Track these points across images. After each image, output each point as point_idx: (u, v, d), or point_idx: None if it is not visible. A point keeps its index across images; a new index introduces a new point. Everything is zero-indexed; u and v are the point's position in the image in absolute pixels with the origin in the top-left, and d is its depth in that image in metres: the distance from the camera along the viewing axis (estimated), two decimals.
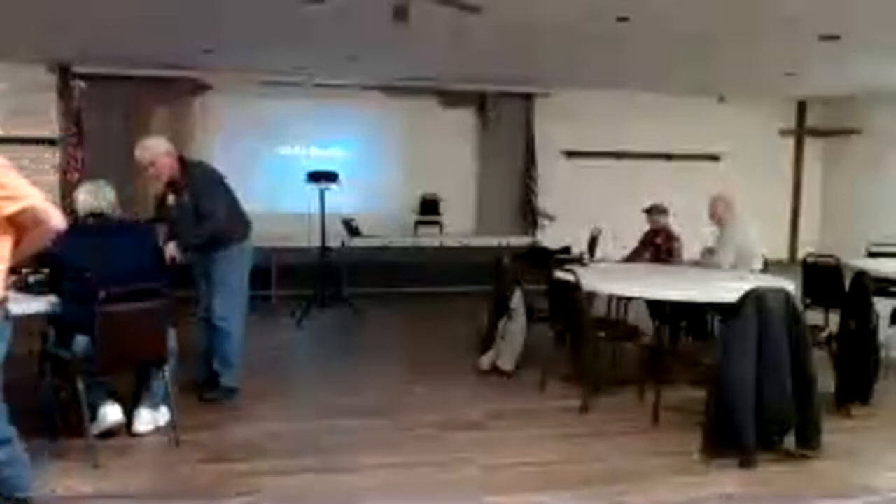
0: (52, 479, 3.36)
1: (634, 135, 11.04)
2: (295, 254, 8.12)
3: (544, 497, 3.32)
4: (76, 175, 8.69)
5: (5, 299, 2.70)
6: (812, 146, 12.38)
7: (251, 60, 8.66)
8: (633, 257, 6.45)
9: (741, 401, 3.62)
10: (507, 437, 4.09)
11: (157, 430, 4.02)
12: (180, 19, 6.61)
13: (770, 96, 11.57)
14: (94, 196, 3.99)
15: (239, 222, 4.66)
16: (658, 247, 6.30)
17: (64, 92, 9.11)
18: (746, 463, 3.61)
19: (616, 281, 4.99)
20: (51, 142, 9.18)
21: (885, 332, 5.09)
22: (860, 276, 4.67)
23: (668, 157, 11.27)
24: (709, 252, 5.60)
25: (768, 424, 3.68)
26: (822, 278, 5.45)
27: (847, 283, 4.79)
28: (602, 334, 4.72)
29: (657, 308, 5.29)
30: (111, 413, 3.84)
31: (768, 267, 5.62)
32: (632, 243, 6.60)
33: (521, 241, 9.61)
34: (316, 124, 10.10)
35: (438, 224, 10.31)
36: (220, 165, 4.81)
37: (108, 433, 3.83)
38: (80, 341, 3.72)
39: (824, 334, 4.59)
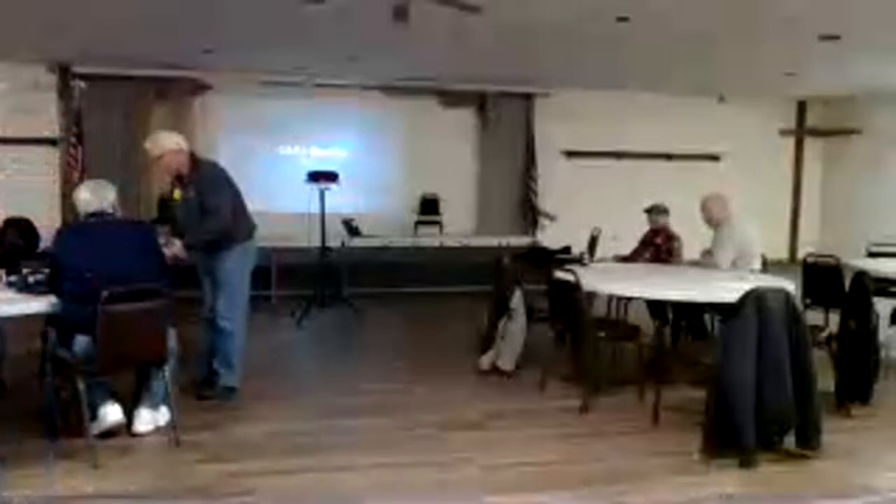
0: (52, 479, 3.36)
1: (634, 135, 11.04)
2: (295, 254, 8.11)
3: (544, 497, 3.32)
4: (76, 175, 8.69)
5: None
6: (812, 146, 12.39)
7: (251, 60, 8.67)
8: (633, 257, 6.45)
9: (741, 401, 3.62)
10: (507, 437, 4.09)
11: (157, 430, 4.01)
12: (180, 19, 6.61)
13: (770, 96, 11.57)
14: (95, 196, 3.99)
15: (243, 222, 4.67)
16: (658, 247, 6.30)
17: (64, 92, 9.12)
18: (746, 463, 3.61)
19: (616, 281, 4.99)
20: (51, 142, 9.19)
21: (885, 332, 5.09)
22: (860, 276, 4.67)
23: (668, 157, 11.27)
24: (708, 253, 5.60)
25: (768, 424, 3.67)
26: (822, 278, 5.45)
27: (847, 283, 4.79)
28: (602, 334, 4.72)
29: (657, 308, 5.29)
30: (111, 413, 3.84)
31: (768, 267, 5.62)
32: (632, 243, 6.60)
33: (521, 241, 9.60)
34: (316, 124, 10.11)
35: (438, 224, 10.31)
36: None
37: (109, 433, 3.83)
38: (81, 341, 3.72)
39: (824, 334, 4.58)
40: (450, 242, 9.45)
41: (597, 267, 5.60)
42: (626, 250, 6.62)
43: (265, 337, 6.21)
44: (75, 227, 4.46)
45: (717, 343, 3.98)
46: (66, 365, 3.74)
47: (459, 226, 10.45)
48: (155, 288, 3.75)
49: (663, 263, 6.05)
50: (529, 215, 10.86)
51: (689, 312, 5.50)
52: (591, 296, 4.73)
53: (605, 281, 4.82)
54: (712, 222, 5.54)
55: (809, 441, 3.74)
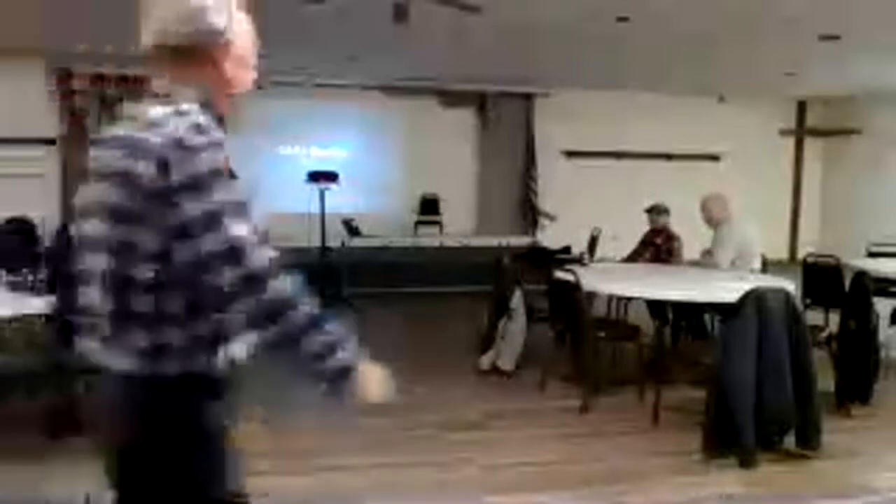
0: (51, 479, 3.36)
1: (634, 135, 11.04)
2: (295, 254, 8.10)
3: (544, 497, 3.32)
4: (76, 175, 8.68)
5: None
6: (812, 146, 12.39)
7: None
8: (634, 257, 6.45)
9: (741, 401, 3.62)
10: (507, 437, 4.09)
11: None
12: None
13: (770, 96, 11.57)
14: None
15: None
16: (658, 247, 6.30)
17: (64, 92, 9.11)
18: (746, 463, 3.61)
19: (616, 281, 4.99)
20: (51, 142, 9.18)
21: (885, 332, 5.09)
22: (860, 276, 4.67)
23: (668, 157, 11.27)
24: (708, 253, 5.60)
25: (768, 424, 3.67)
26: (822, 278, 5.45)
27: (847, 283, 4.79)
28: (602, 334, 4.72)
29: (657, 308, 5.29)
30: None
31: (768, 267, 5.62)
32: (632, 243, 6.60)
33: (521, 241, 9.61)
34: (316, 124, 10.10)
35: (438, 224, 10.31)
36: None
37: None
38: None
39: (824, 334, 4.58)
40: (450, 242, 9.45)
41: (597, 267, 5.60)
42: (627, 250, 6.62)
43: None
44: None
45: (717, 343, 3.98)
46: (66, 365, 3.74)
47: (459, 226, 10.45)
48: None
49: (663, 263, 6.04)
50: (529, 215, 10.86)
51: (689, 312, 5.50)
52: (591, 296, 4.73)
53: (605, 281, 4.81)
54: (712, 222, 5.54)
55: (809, 441, 3.74)
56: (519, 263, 6.36)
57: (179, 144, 1.40)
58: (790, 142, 12.35)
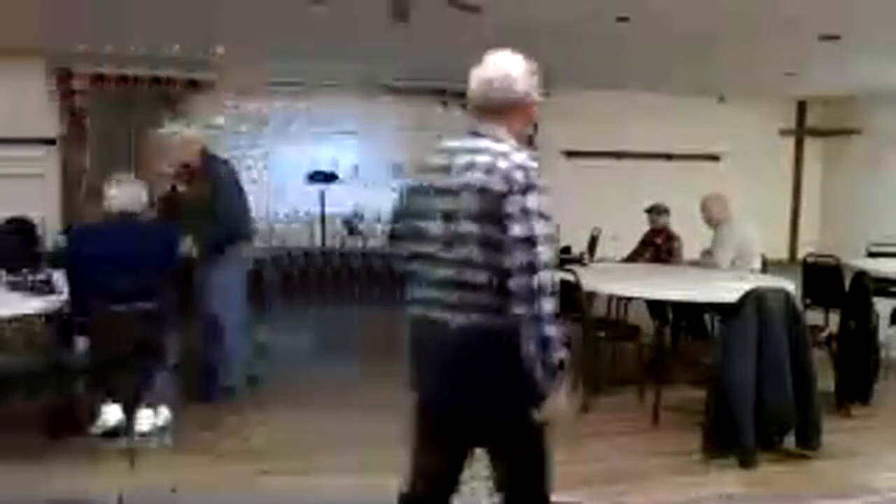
0: (51, 479, 3.36)
1: (634, 135, 11.03)
2: (294, 254, 8.12)
3: None
4: (76, 175, 8.68)
5: None
6: (812, 146, 12.38)
7: (252, 60, 8.66)
8: (634, 257, 6.45)
9: (741, 401, 3.62)
10: None
11: (157, 430, 4.01)
12: (181, 19, 6.61)
13: (770, 96, 11.57)
14: (127, 196, 3.96)
15: (246, 224, 4.70)
16: (658, 247, 6.30)
17: (64, 92, 9.11)
18: (746, 463, 3.61)
19: (616, 281, 4.99)
20: (51, 142, 9.18)
21: (885, 332, 5.09)
22: (860, 276, 4.68)
23: (668, 157, 11.26)
24: (708, 253, 5.60)
25: (768, 424, 3.67)
26: (822, 278, 5.45)
27: (847, 283, 4.79)
28: (602, 334, 4.72)
29: (657, 308, 5.29)
30: (111, 413, 3.84)
31: (768, 267, 5.62)
32: (632, 243, 6.60)
33: None
34: (316, 124, 10.09)
35: None
36: None
37: (108, 433, 3.83)
38: (81, 341, 3.72)
39: (824, 334, 4.59)
40: None
41: (597, 267, 5.60)
42: (627, 250, 6.62)
43: (264, 337, 6.20)
44: (88, 226, 4.46)
45: (717, 343, 3.98)
46: (65, 365, 3.74)
47: None
48: (156, 288, 3.75)
49: (663, 263, 6.04)
50: None
51: (689, 312, 5.50)
52: (591, 296, 4.72)
53: (605, 281, 4.81)
54: (712, 222, 5.54)
55: (809, 441, 3.74)
56: None
57: (520, 168, 2.06)
58: (790, 142, 12.35)
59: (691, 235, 6.14)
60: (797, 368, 3.67)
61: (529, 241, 2.03)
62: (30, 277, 3.91)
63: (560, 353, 2.05)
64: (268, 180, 9.44)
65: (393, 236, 2.49)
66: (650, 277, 5.21)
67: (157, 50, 8.14)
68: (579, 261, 5.77)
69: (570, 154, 11.08)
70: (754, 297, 3.68)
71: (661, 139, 11.13)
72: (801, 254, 10.01)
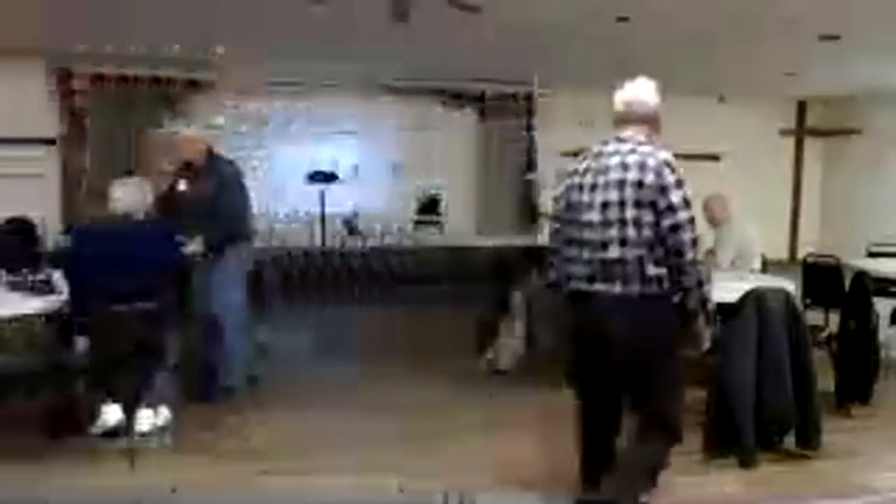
0: (51, 479, 3.36)
1: None
2: (295, 254, 8.12)
3: (544, 496, 3.32)
4: (76, 175, 8.68)
5: None
6: (812, 146, 12.37)
7: (252, 60, 8.66)
8: None
9: (741, 401, 3.62)
10: (506, 436, 4.09)
11: (157, 430, 4.02)
12: (181, 19, 6.61)
13: (770, 96, 11.56)
14: (132, 197, 3.96)
15: (246, 224, 4.70)
16: None
17: (64, 92, 9.11)
18: (746, 463, 3.61)
19: None
20: (51, 142, 9.18)
21: (885, 332, 5.09)
22: (860, 276, 4.68)
23: None
24: (710, 253, 5.59)
25: (768, 424, 3.68)
26: (822, 278, 5.45)
27: (847, 283, 4.79)
28: None
29: None
30: (111, 413, 3.85)
31: (768, 267, 5.62)
32: None
33: (522, 240, 9.59)
34: (316, 124, 10.10)
35: (439, 224, 10.30)
36: None
37: (108, 433, 3.83)
38: (81, 341, 3.72)
39: (824, 334, 4.59)
40: (450, 242, 9.44)
41: None
42: None
43: (264, 337, 6.20)
44: (88, 226, 4.45)
45: (717, 343, 3.98)
46: (65, 365, 3.74)
47: (460, 226, 10.44)
48: (156, 288, 3.74)
49: None
50: (529, 215, 10.84)
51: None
52: None
53: None
54: (713, 222, 5.54)
55: (809, 441, 3.74)
56: (519, 263, 6.36)
57: (666, 164, 2.80)
58: (790, 142, 12.34)
59: None
60: (797, 368, 3.67)
61: (679, 227, 2.71)
62: (30, 277, 3.92)
63: (711, 304, 2.82)
64: (268, 180, 9.46)
65: (556, 230, 3.04)
66: None
67: (157, 50, 8.13)
68: None
69: (571, 154, 11.07)
70: (754, 297, 3.68)
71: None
72: (801, 254, 10.01)
